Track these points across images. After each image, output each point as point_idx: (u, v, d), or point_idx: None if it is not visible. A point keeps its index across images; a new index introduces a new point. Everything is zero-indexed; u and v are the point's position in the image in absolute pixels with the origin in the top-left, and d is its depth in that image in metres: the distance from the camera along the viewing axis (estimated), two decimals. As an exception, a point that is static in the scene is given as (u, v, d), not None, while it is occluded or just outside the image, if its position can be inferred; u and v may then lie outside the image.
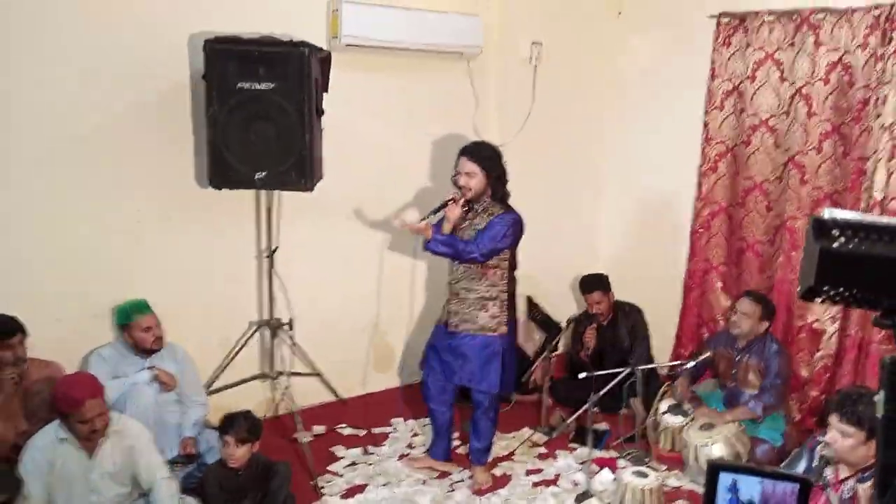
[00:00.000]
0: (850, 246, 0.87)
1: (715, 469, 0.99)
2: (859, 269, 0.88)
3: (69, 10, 3.42)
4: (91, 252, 3.66)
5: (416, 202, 4.48)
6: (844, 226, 0.89)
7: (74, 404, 2.78)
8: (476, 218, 3.44)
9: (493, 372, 3.48)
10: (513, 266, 3.54)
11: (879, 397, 0.93)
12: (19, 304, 3.32)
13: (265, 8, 3.85)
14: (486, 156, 3.43)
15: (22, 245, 3.49)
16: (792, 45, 3.91)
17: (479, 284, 3.45)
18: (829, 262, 0.88)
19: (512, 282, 3.54)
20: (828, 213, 0.87)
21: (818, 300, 0.92)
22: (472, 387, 3.53)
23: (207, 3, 3.73)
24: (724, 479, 1.00)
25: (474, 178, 3.39)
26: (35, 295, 3.50)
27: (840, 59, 3.77)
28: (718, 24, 4.21)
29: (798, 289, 0.96)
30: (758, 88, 4.09)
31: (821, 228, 0.89)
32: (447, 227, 3.44)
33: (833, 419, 2.53)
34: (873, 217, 0.92)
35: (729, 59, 4.20)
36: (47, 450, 2.85)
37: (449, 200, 3.44)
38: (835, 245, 0.88)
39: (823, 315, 4.00)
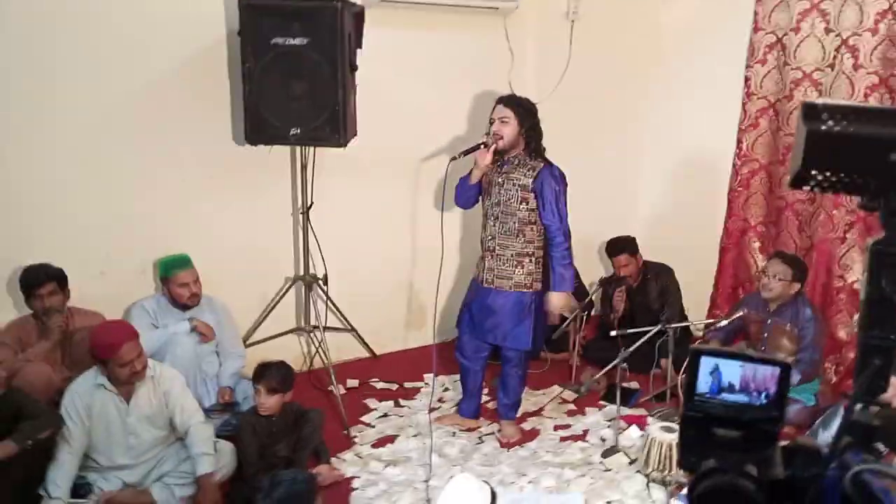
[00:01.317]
0: (838, 127, 0.86)
1: (697, 353, 1.00)
2: (846, 149, 0.87)
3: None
4: (135, 208, 3.78)
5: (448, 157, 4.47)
6: (833, 109, 0.88)
7: (112, 349, 2.89)
8: (513, 171, 3.39)
9: (526, 329, 3.48)
10: None
11: (863, 279, 0.93)
12: (65, 258, 3.47)
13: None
14: (521, 103, 3.40)
15: (68, 201, 3.63)
16: (842, -7, 3.76)
17: (515, 241, 3.43)
18: (818, 144, 0.88)
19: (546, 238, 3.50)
20: (819, 99, 0.86)
21: (806, 187, 0.91)
22: (505, 345, 3.54)
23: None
24: (706, 363, 1.01)
25: (508, 124, 3.35)
26: (81, 249, 3.64)
27: (890, 6, 3.62)
28: (762, -26, 4.07)
29: (787, 178, 0.96)
30: (802, 40, 3.95)
31: (811, 112, 0.89)
32: (476, 175, 3.43)
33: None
34: (861, 103, 0.91)
35: (773, 10, 4.06)
36: (85, 394, 2.98)
37: (480, 143, 3.40)
38: (823, 127, 0.87)
39: (864, 275, 3.90)
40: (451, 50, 4.40)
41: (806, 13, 3.92)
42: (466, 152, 3.46)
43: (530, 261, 3.45)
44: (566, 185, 3.45)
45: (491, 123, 3.42)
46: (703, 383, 1.01)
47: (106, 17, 3.52)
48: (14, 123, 3.45)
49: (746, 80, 4.25)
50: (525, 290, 3.46)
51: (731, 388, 1.02)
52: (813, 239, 4.08)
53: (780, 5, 4.03)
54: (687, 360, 1.03)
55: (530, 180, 3.36)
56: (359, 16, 3.70)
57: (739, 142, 4.35)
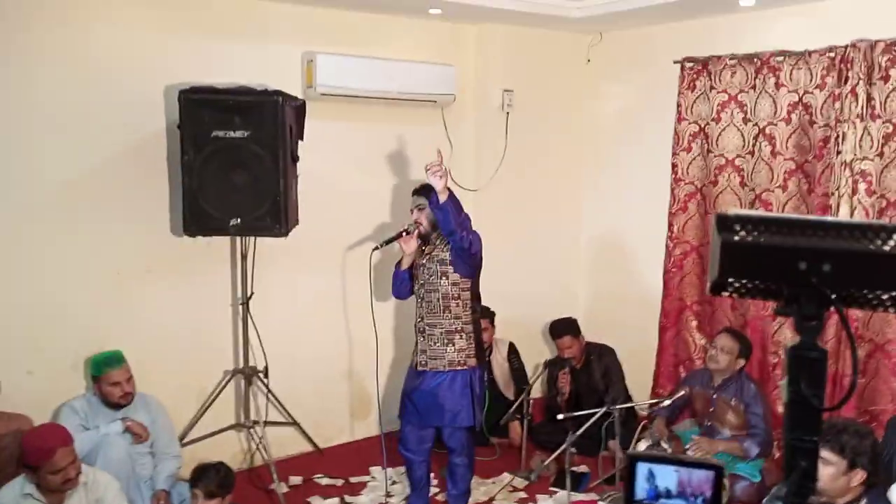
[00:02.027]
0: (750, 238, 0.92)
1: (632, 460, 1.01)
2: (760, 258, 0.92)
3: (48, 54, 3.48)
4: (66, 302, 3.65)
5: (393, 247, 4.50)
6: (745, 220, 0.93)
7: (46, 454, 2.73)
8: (435, 249, 3.45)
9: (466, 406, 3.44)
10: (476, 296, 3.53)
11: (783, 382, 0.97)
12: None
13: (242, 60, 3.93)
14: (429, 188, 3.45)
15: (-5, 295, 3.47)
16: (754, 87, 4.04)
17: (442, 318, 3.43)
18: (732, 254, 0.93)
19: (476, 313, 3.52)
20: (731, 210, 0.91)
21: (725, 293, 0.95)
22: (447, 425, 3.48)
23: (184, 56, 3.80)
24: (641, 469, 1.01)
25: (424, 210, 3.45)
26: (7, 346, 3.47)
27: (800, 99, 3.90)
28: (683, 68, 4.35)
29: (707, 286, 1.00)
30: (723, 129, 4.21)
31: (723, 223, 0.94)
32: (407, 261, 3.50)
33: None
34: (770, 213, 0.97)
35: (694, 101, 4.33)
36: (11, 505, 2.78)
37: (402, 232, 3.48)
38: (736, 238, 0.92)
39: (784, 379, 4.03)
40: (392, 140, 4.50)
41: (724, 105, 4.19)
42: (388, 241, 3.55)
43: (461, 337, 3.45)
44: (481, 243, 3.45)
45: (411, 211, 3.52)
46: (641, 489, 1.02)
47: (45, 99, 3.50)
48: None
49: (674, 166, 4.46)
50: (459, 368, 3.44)
51: (667, 494, 1.03)
52: (746, 317, 4.21)
53: (701, 97, 4.30)
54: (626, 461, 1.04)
55: (447, 253, 3.42)
56: (300, 108, 3.78)
57: (671, 225, 4.52)
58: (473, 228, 3.49)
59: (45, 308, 3.60)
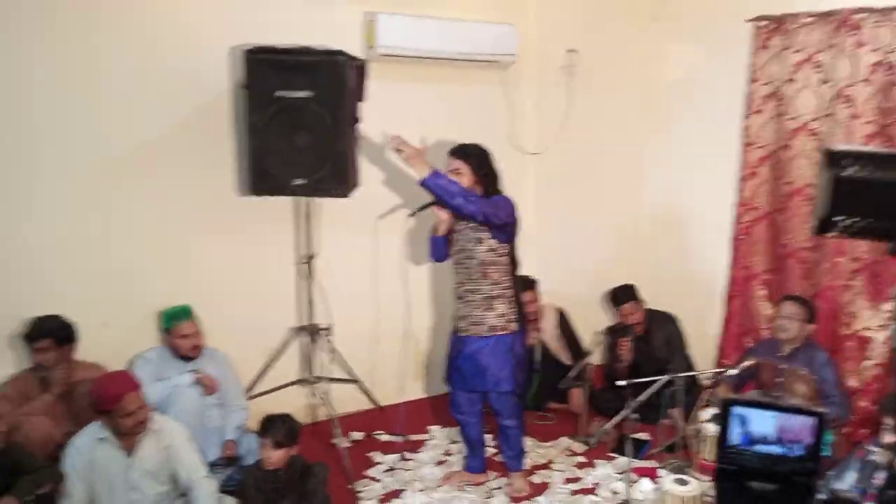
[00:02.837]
0: (863, 173, 0.87)
1: (727, 405, 0.98)
2: (871, 194, 0.87)
3: (114, 24, 3.57)
4: (139, 259, 3.79)
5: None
6: (856, 154, 0.89)
7: (115, 399, 2.85)
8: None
9: (508, 371, 3.43)
10: (514, 262, 3.47)
11: (894, 325, 0.92)
12: (68, 310, 3.47)
13: (303, 20, 3.95)
14: (471, 153, 3.39)
15: (72, 253, 3.63)
16: (832, 46, 3.84)
17: (482, 284, 3.40)
18: (842, 190, 0.88)
19: (515, 279, 3.47)
20: (839, 145, 0.86)
21: (831, 234, 0.91)
22: (490, 390, 3.48)
23: (247, 17, 3.84)
24: (736, 414, 0.99)
25: (462, 175, 3.35)
26: (84, 301, 3.63)
27: (883, 58, 3.70)
28: (756, 26, 4.16)
29: (811, 224, 0.96)
30: (798, 91, 4.02)
31: (833, 158, 0.90)
32: (442, 228, 3.43)
33: (889, 420, 2.47)
34: (880, 148, 0.91)
35: (767, 62, 4.14)
36: (86, 449, 2.93)
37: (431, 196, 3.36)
38: (846, 173, 0.88)
39: (871, 321, 3.89)
40: (452, 102, 4.48)
41: (800, 65, 4.00)
42: (422, 208, 3.47)
43: (500, 302, 3.41)
44: (515, 215, 3.38)
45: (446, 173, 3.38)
46: (735, 434, 0.99)
47: (113, 68, 3.59)
48: (19, 176, 3.48)
49: (745, 129, 4.30)
50: (501, 333, 3.42)
51: (764, 440, 1.00)
52: (818, 286, 4.07)
53: (775, 57, 4.11)
54: (716, 411, 1.02)
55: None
56: (361, 69, 3.78)
57: (740, 191, 4.38)
58: (503, 192, 3.41)
59: (119, 264, 3.74)
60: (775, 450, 0.88)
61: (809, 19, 3.92)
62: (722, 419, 0.89)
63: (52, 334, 3.36)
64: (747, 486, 0.85)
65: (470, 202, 3.24)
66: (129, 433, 2.92)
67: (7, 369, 3.47)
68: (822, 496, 0.84)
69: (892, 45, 3.66)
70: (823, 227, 0.91)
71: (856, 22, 3.73)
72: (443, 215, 3.42)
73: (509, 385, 3.45)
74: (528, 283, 4.19)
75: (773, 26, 4.09)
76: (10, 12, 3.33)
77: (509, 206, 3.37)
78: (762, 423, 0.90)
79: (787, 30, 4.02)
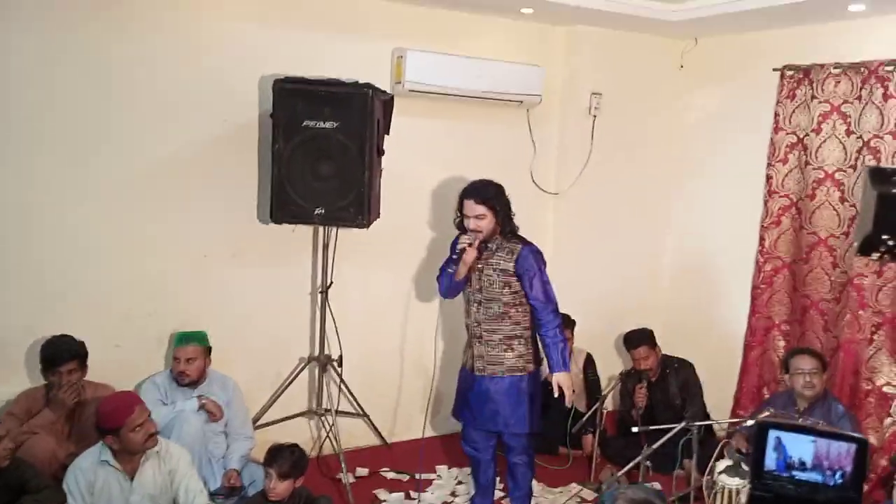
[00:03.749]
0: None
1: (763, 428, 0.93)
2: None
3: (150, 44, 3.63)
4: (155, 281, 3.79)
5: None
6: None
7: (125, 411, 2.84)
8: (492, 257, 3.32)
9: (524, 413, 3.37)
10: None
11: None
12: (82, 329, 3.45)
13: (333, 54, 4.00)
14: (491, 195, 3.32)
15: (90, 270, 3.64)
16: (859, 97, 3.83)
17: (502, 324, 3.35)
18: (889, 207, 0.85)
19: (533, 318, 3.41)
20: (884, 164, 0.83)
21: (875, 255, 0.87)
22: (504, 430, 3.42)
23: (280, 48, 3.89)
24: (772, 437, 0.93)
25: (484, 219, 3.29)
26: (98, 320, 3.63)
27: (911, 112, 3.68)
28: (782, 76, 4.18)
29: (853, 244, 0.92)
30: (823, 141, 4.01)
31: (880, 175, 0.87)
32: (463, 271, 3.33)
33: None
34: None
35: (793, 111, 4.14)
36: (89, 471, 2.89)
37: (465, 246, 3.29)
38: (893, 190, 0.84)
39: (894, 377, 3.80)
40: (475, 139, 4.49)
41: (826, 115, 3.99)
42: (456, 261, 3.33)
43: (520, 343, 3.37)
44: (545, 261, 3.39)
45: (464, 218, 3.32)
46: (770, 459, 0.94)
47: (145, 88, 3.64)
48: (43, 192, 3.50)
49: (768, 178, 4.28)
50: (519, 374, 3.36)
51: (801, 466, 0.95)
52: (839, 339, 3.99)
53: (801, 107, 4.11)
54: (750, 436, 0.97)
55: (511, 264, 3.31)
56: (388, 103, 3.81)
57: (762, 239, 4.34)
58: (518, 230, 3.38)
59: (136, 285, 3.74)
60: (813, 477, 0.83)
61: (837, 70, 3.93)
62: (757, 442, 0.85)
63: (77, 356, 3.34)
64: None
65: (555, 324, 3.31)
66: (139, 449, 2.89)
67: (18, 387, 3.44)
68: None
69: (921, 98, 3.65)
70: (867, 246, 0.88)
71: (884, 74, 3.72)
72: (469, 259, 3.31)
73: (522, 427, 3.38)
74: (567, 322, 4.13)
75: (800, 76, 4.10)
76: (46, 24, 3.39)
77: (541, 259, 3.35)
78: (799, 448, 0.85)
79: (814, 80, 4.02)
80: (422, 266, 4.43)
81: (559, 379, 3.32)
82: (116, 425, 2.84)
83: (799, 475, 0.82)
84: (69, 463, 2.99)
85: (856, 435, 0.81)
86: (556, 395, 3.36)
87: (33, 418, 3.27)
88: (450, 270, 3.37)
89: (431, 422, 4.64)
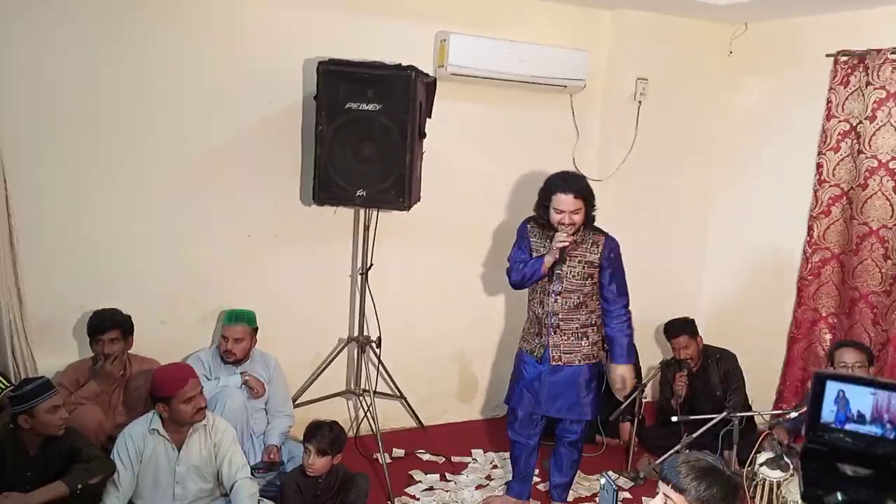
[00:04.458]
0: None
1: (821, 379, 0.91)
2: None
3: (195, 36, 3.68)
4: (201, 260, 3.86)
5: (510, 231, 4.47)
6: None
7: (179, 382, 2.91)
8: (577, 248, 3.30)
9: (592, 399, 3.42)
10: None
11: None
12: (130, 305, 3.54)
13: (377, 37, 4.00)
14: (584, 186, 3.28)
15: (138, 250, 3.73)
16: (917, 84, 3.71)
17: (579, 314, 3.36)
18: None
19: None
20: None
21: None
22: (570, 417, 3.43)
23: (323, 31, 3.91)
24: (831, 389, 0.91)
25: (579, 213, 3.24)
26: (145, 297, 3.72)
27: (971, 99, 3.55)
28: (836, 62, 4.06)
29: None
30: (878, 129, 3.89)
31: None
32: (550, 261, 3.29)
33: None
34: None
35: (847, 98, 4.02)
36: (138, 438, 2.97)
37: (566, 244, 3.23)
38: None
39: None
40: (517, 124, 4.46)
41: (881, 102, 3.87)
42: (562, 261, 3.28)
43: (593, 331, 3.40)
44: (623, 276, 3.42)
45: (559, 212, 3.23)
46: (828, 412, 0.93)
47: (192, 72, 3.70)
48: (96, 173, 3.60)
49: (818, 166, 4.17)
50: (593, 362, 3.40)
51: (860, 419, 0.93)
52: (889, 333, 3.88)
53: (855, 94, 3.99)
54: (811, 389, 0.95)
55: (596, 256, 3.31)
56: (430, 86, 3.80)
57: (810, 229, 4.24)
58: (607, 237, 3.36)
59: (181, 264, 3.82)
60: (872, 430, 0.81)
61: (893, 56, 3.80)
62: (815, 394, 0.83)
63: (119, 325, 3.44)
64: (838, 469, 0.79)
65: (629, 317, 3.41)
66: (187, 421, 2.96)
67: (69, 358, 3.56)
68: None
69: (983, 86, 3.51)
70: None
71: (944, 60, 3.60)
72: (559, 247, 3.25)
73: (590, 413, 3.42)
74: None
75: (855, 62, 3.98)
76: (90, 13, 3.46)
77: (620, 253, 3.38)
78: (858, 400, 0.83)
79: (869, 66, 3.90)
80: (462, 250, 4.44)
81: (623, 371, 3.39)
82: (169, 394, 2.92)
83: (857, 428, 0.80)
84: (116, 434, 3.08)
85: None
86: (618, 386, 3.42)
87: (80, 389, 3.38)
88: (541, 267, 3.30)
89: (468, 406, 4.66)
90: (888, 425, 0.81)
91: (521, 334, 3.58)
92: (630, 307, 3.41)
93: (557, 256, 3.26)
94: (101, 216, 3.63)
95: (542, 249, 3.35)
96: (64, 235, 3.58)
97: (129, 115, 3.61)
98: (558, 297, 3.34)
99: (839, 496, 0.72)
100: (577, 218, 3.24)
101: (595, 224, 3.37)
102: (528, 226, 3.43)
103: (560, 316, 3.36)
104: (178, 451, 2.99)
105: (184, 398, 2.91)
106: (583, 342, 3.37)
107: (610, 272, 3.33)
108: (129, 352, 3.53)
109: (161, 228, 3.76)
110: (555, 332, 3.38)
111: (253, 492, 3.03)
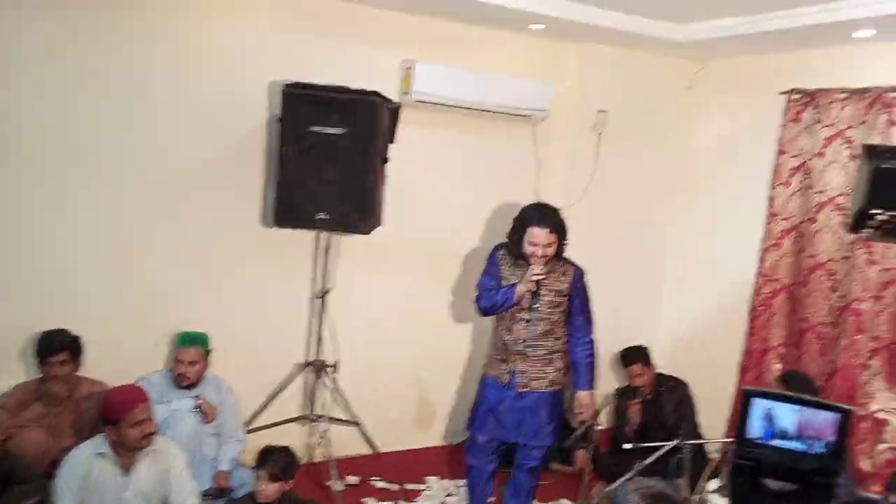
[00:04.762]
0: None
1: (749, 396, 0.93)
2: None
3: (160, 57, 3.64)
4: (157, 281, 3.79)
5: (471, 258, 4.50)
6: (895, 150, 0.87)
7: (128, 405, 2.84)
8: (548, 277, 3.32)
9: (555, 424, 3.46)
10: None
11: None
12: (79, 325, 3.45)
13: (343, 62, 4.01)
14: (559, 220, 3.34)
15: (90, 271, 3.65)
16: (864, 122, 3.84)
17: (546, 341, 3.39)
18: (882, 182, 0.87)
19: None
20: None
21: (865, 231, 0.88)
22: (533, 443, 3.44)
23: (289, 54, 3.90)
24: (758, 406, 0.94)
25: (552, 246, 3.30)
26: (96, 318, 3.62)
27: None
28: (789, 100, 4.20)
29: (847, 222, 0.93)
30: (826, 165, 4.02)
31: (873, 151, 0.88)
32: (523, 291, 3.31)
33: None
34: None
35: (798, 134, 4.16)
36: (84, 463, 2.88)
37: (538, 276, 3.27)
38: (885, 165, 0.86)
39: (888, 403, 3.79)
40: (480, 152, 4.51)
41: (830, 140, 4.01)
42: (536, 294, 3.31)
43: (558, 357, 3.43)
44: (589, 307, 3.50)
45: (532, 245, 3.27)
46: (756, 427, 0.95)
47: (157, 91, 3.65)
48: (44, 191, 3.51)
49: (770, 200, 4.29)
50: (557, 388, 3.44)
51: (784, 434, 0.95)
52: (835, 364, 3.98)
53: (806, 131, 4.13)
54: (740, 402, 0.97)
55: (566, 286, 3.37)
56: (395, 112, 3.83)
57: (762, 261, 4.34)
58: (576, 266, 3.42)
59: (134, 285, 3.74)
60: (796, 446, 0.84)
61: (842, 95, 3.94)
62: (742, 410, 0.86)
63: (68, 347, 3.35)
64: (764, 484, 0.81)
65: (592, 344, 3.47)
66: (133, 446, 2.88)
67: (16, 379, 3.44)
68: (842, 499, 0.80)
69: (925, 127, 3.66)
70: (858, 222, 0.90)
71: (889, 100, 3.73)
72: (537, 279, 3.29)
73: (553, 438, 3.46)
74: None
75: (806, 100, 4.12)
76: (47, 25, 3.40)
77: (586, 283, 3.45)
78: (784, 416, 0.86)
79: (820, 104, 4.04)
80: (423, 276, 4.43)
81: (584, 397, 3.44)
82: (118, 416, 2.84)
83: (782, 444, 0.82)
84: (61, 458, 2.98)
85: (840, 405, 0.81)
86: (578, 411, 3.48)
87: (24, 411, 3.27)
88: (513, 296, 3.33)
89: (423, 434, 4.64)
90: (811, 441, 0.84)
91: (485, 360, 3.59)
92: (594, 335, 3.47)
93: (533, 289, 3.28)
94: (51, 235, 3.54)
95: (511, 278, 3.38)
96: (11, 255, 3.48)
97: (83, 133, 3.54)
98: (527, 324, 3.37)
99: None
100: (551, 251, 3.30)
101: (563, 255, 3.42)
102: (500, 253, 3.46)
103: (528, 342, 3.38)
104: (127, 476, 2.90)
105: (132, 421, 2.84)
106: (548, 369, 3.39)
107: (579, 301, 3.39)
108: (79, 374, 3.44)
109: (114, 248, 3.68)
110: (522, 359, 3.40)
111: (202, 519, 2.96)
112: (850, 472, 3.61)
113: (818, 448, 0.83)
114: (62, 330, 3.39)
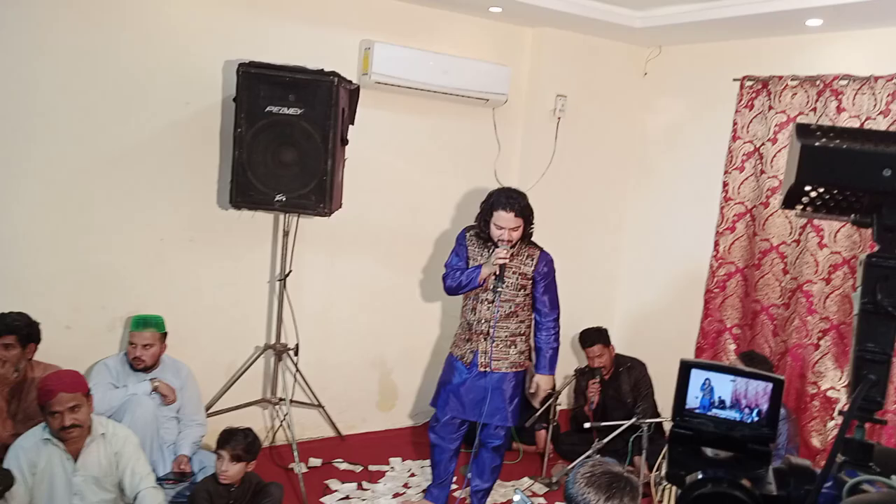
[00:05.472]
0: (832, 143, 0.89)
1: (687, 367, 0.96)
2: (841, 164, 0.89)
3: (112, 33, 3.57)
4: (109, 264, 3.73)
5: (431, 240, 4.51)
6: (826, 128, 0.91)
7: (48, 394, 2.76)
8: (513, 260, 3.37)
9: (515, 405, 3.49)
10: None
11: (856, 294, 0.93)
12: (33, 307, 3.37)
13: (301, 42, 3.99)
14: (525, 205, 3.38)
15: (39, 253, 3.57)
16: (814, 109, 3.95)
17: (509, 323, 3.44)
18: (812, 160, 0.90)
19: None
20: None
21: (799, 207, 0.92)
22: (494, 423, 3.48)
23: (245, 34, 3.87)
24: (697, 377, 0.97)
25: (518, 230, 3.35)
26: (50, 301, 3.56)
27: (861, 124, 3.80)
28: (742, 86, 4.28)
29: (780, 200, 0.96)
30: (779, 151, 4.12)
31: (804, 129, 0.92)
32: (487, 273, 3.36)
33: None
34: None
35: (751, 121, 4.25)
36: (31, 450, 2.82)
37: (502, 261, 3.31)
38: (816, 143, 0.90)
39: (837, 382, 3.91)
40: (440, 135, 4.52)
41: (782, 125, 4.11)
42: (500, 277, 3.33)
43: (521, 340, 3.48)
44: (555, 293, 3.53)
45: (499, 229, 3.31)
46: (693, 398, 0.98)
47: (108, 69, 3.58)
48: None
49: (724, 185, 4.38)
50: (519, 370, 3.48)
51: (721, 404, 0.99)
52: (787, 344, 4.10)
53: (758, 117, 4.22)
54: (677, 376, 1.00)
55: (530, 269, 3.41)
56: (354, 93, 3.81)
57: (716, 244, 4.44)
58: (542, 251, 3.44)
59: (89, 268, 3.68)
60: (731, 414, 0.87)
61: (794, 82, 4.04)
62: (681, 381, 0.88)
63: (17, 331, 3.26)
64: (701, 452, 0.84)
65: (557, 329, 3.50)
66: (55, 434, 2.80)
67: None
68: (777, 465, 0.83)
69: (872, 112, 3.77)
70: (791, 198, 0.93)
71: (838, 88, 3.84)
72: (501, 263, 3.31)
73: (514, 419, 3.50)
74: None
75: (759, 87, 4.21)
76: (11, 7, 3.33)
77: (555, 277, 3.48)
78: (720, 386, 0.89)
79: (772, 91, 4.14)
80: (384, 258, 4.44)
81: (542, 380, 3.50)
82: (41, 403, 2.79)
83: (718, 413, 0.85)
84: (11, 443, 2.92)
85: (772, 374, 0.85)
86: (531, 391, 3.54)
87: (-28, 399, 3.20)
88: (477, 277, 3.38)
89: (387, 415, 4.65)
90: (745, 410, 0.88)
91: (453, 340, 3.62)
92: (560, 320, 3.49)
93: (497, 272, 3.32)
94: (2, 215, 3.46)
95: (478, 259, 3.45)
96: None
97: (35, 111, 3.46)
98: (491, 305, 3.42)
99: (699, 475, 0.77)
100: (516, 235, 3.35)
101: (531, 239, 3.46)
102: (468, 234, 3.51)
103: (491, 323, 3.43)
104: (75, 462, 2.85)
105: (50, 410, 2.75)
106: (511, 350, 3.44)
107: (543, 285, 3.43)
108: (35, 358, 3.36)
109: (68, 229, 3.61)
110: (485, 339, 3.44)
111: (159, 501, 2.93)
112: (794, 443, 3.72)
113: (752, 416, 0.87)
114: (17, 313, 3.30)
